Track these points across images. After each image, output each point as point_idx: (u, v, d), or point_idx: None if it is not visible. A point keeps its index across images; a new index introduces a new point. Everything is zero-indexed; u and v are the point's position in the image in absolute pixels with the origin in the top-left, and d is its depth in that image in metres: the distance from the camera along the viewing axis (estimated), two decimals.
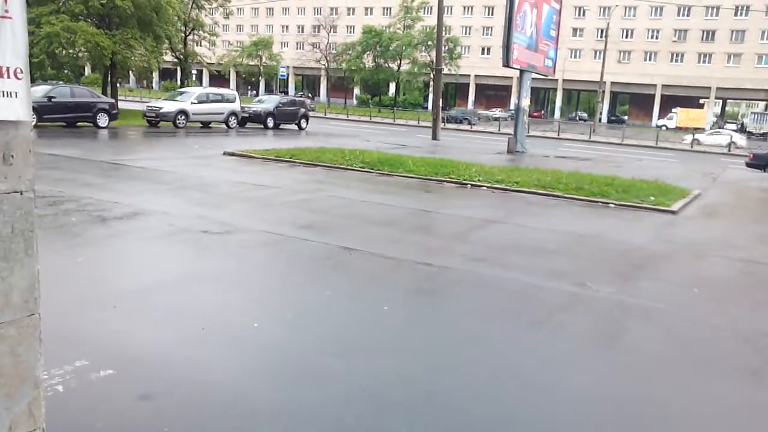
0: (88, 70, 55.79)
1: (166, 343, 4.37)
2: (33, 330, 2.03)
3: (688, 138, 40.66)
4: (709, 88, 69.77)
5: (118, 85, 33.70)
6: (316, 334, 4.76)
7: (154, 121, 26.00)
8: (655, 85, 72.70)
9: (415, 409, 3.69)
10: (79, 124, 22.84)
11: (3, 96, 1.83)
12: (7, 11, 1.80)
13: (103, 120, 23.26)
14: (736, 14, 67.81)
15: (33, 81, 25.36)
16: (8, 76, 1.84)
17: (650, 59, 73.54)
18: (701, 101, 73.16)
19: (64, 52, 27.85)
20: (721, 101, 76.40)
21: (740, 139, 40.82)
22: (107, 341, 4.33)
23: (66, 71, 33.28)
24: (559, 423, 3.65)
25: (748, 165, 24.31)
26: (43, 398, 2.13)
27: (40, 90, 21.44)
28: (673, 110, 68.96)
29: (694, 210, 12.24)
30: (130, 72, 39.41)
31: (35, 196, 2.00)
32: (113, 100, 26.34)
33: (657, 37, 72.78)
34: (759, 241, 9.85)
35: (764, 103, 71.16)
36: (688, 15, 70.69)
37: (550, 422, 3.65)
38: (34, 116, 19.66)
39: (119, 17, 27.55)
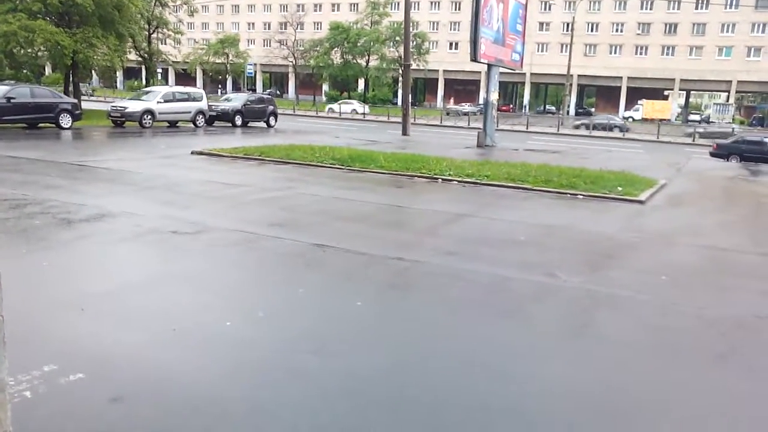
0: (48, 70, 54.58)
1: (137, 345, 4.30)
2: None
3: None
4: (673, 79, 71.21)
5: (80, 84, 33.00)
6: (289, 331, 4.73)
7: (120, 121, 25.56)
8: (620, 78, 73.92)
9: (389, 403, 3.69)
10: (40, 125, 22.35)
11: None
12: None
13: (66, 121, 22.77)
14: (696, 7, 69.26)
15: None
16: None
17: (615, 52, 74.69)
18: (666, 93, 74.61)
19: (22, 51, 27.20)
20: (684, 92, 77.96)
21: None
22: (76, 345, 4.24)
23: (25, 71, 32.53)
24: (531, 411, 3.69)
25: (712, 155, 24.88)
26: (8, 401, 2.08)
27: None
28: (639, 102, 70.22)
29: (660, 199, 12.47)
30: (93, 71, 38.62)
31: None
32: (76, 101, 25.80)
33: (621, 31, 73.94)
34: (723, 228, 10.08)
35: (725, 94, 72.76)
36: (651, 9, 71.98)
37: (523, 411, 3.69)
38: None
39: (79, 15, 26.94)
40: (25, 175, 11.37)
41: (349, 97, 70.68)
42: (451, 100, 77.18)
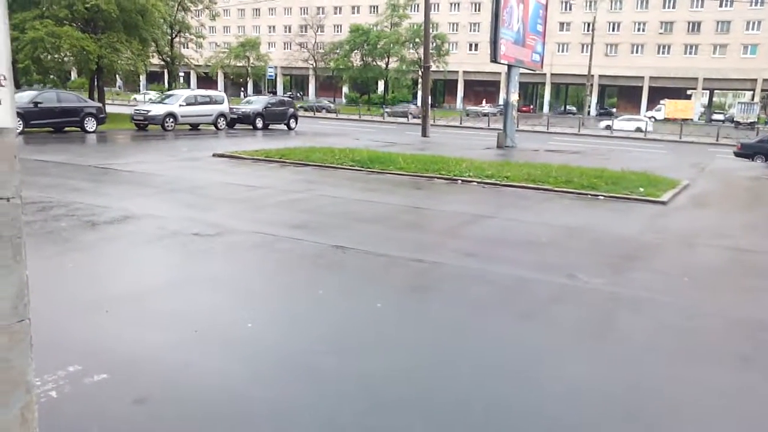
0: (74, 75, 55.47)
1: (160, 347, 4.36)
2: (24, 335, 2.03)
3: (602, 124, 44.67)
4: (696, 78, 70.24)
5: (105, 88, 33.51)
6: (310, 333, 4.76)
7: (143, 125, 25.90)
8: (642, 77, 73.13)
9: (409, 405, 3.70)
10: (66, 129, 22.73)
11: None
12: None
13: (90, 124, 23.15)
14: (720, 5, 68.26)
15: (18, 87, 25.20)
16: None
17: (637, 52, 73.92)
18: (689, 92, 73.59)
19: (49, 57, 27.70)
20: (708, 92, 76.87)
21: (650, 126, 43.64)
22: (100, 346, 4.31)
23: (52, 76, 33.11)
24: (552, 413, 3.67)
25: (736, 155, 24.50)
26: (35, 403, 2.13)
27: (26, 96, 21.31)
28: (661, 102, 69.34)
29: (683, 200, 12.32)
30: (117, 75, 39.19)
31: (22, 202, 2.00)
32: (100, 104, 26.22)
33: (643, 30, 73.16)
34: (747, 229, 9.93)
35: (750, 92, 71.63)
36: (673, 7, 71.11)
37: (545, 412, 3.67)
38: (21, 122, 19.57)
39: (104, 21, 27.40)
40: (51, 179, 11.58)
41: (369, 100, 70.86)
42: (484, 102, 76.90)
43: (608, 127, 43.70)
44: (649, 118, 60.27)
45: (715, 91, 79.96)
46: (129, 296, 5.38)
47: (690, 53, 71.12)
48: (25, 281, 2.01)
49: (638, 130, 41.32)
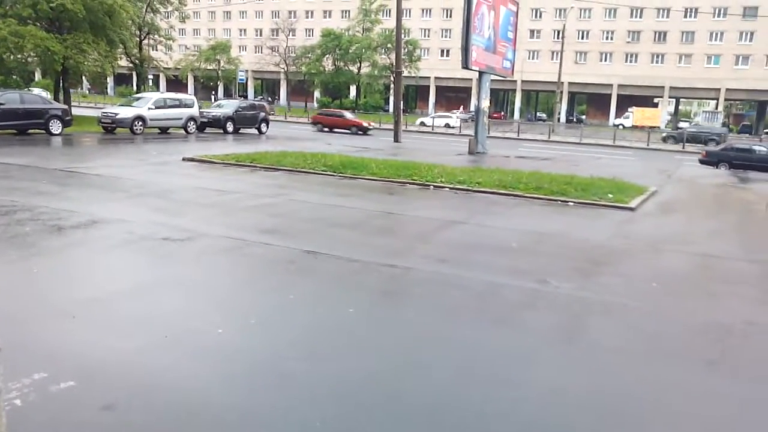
0: (38, 76, 54.29)
1: (128, 352, 4.28)
2: None
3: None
4: (663, 87, 71.68)
5: (71, 90, 32.88)
6: (280, 338, 4.72)
7: (110, 128, 25.44)
8: (611, 85, 74.35)
9: (381, 409, 3.69)
10: (30, 131, 22.20)
11: None
12: None
13: (56, 127, 22.63)
14: (685, 16, 69.83)
15: None
16: None
17: (606, 60, 75.17)
18: (655, 100, 75.12)
19: (12, 57, 27.01)
20: (674, 100, 78.54)
21: (456, 122, 51.35)
22: (67, 352, 4.22)
23: (14, 77, 32.32)
24: (524, 416, 3.70)
25: (702, 162, 25.08)
26: (3, 408, 2.07)
27: None
28: (630, 109, 70.70)
29: (651, 206, 12.55)
30: (84, 77, 38.48)
31: None
32: (66, 107, 25.67)
33: (612, 38, 74.44)
34: (713, 235, 10.16)
35: (714, 101, 73.36)
36: (640, 17, 72.49)
37: (518, 416, 3.70)
38: None
39: (70, 21, 26.82)
40: (14, 182, 11.31)
41: (341, 104, 70.80)
42: (462, 108, 77.35)
43: (422, 123, 51.39)
44: (617, 125, 61.43)
45: (681, 100, 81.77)
46: (96, 302, 5.27)
47: (656, 62, 72.58)
48: None
49: (447, 125, 50.57)
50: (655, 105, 74.35)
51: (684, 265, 7.96)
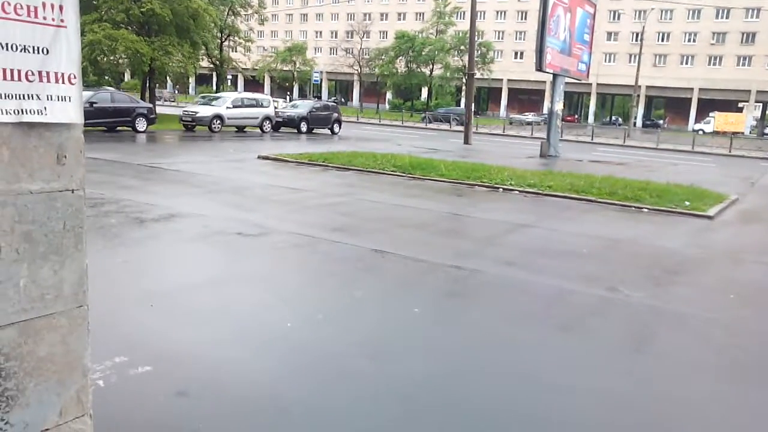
0: (127, 76, 57.07)
1: (202, 342, 4.48)
2: (82, 321, 2.15)
3: None
4: (749, 91, 68.19)
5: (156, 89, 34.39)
6: (347, 335, 4.83)
7: (191, 125, 26.52)
8: (692, 89, 71.40)
9: (443, 411, 3.72)
10: (118, 128, 23.42)
11: (59, 100, 1.95)
12: (62, 20, 1.92)
13: (141, 124, 23.84)
14: None
15: None
16: (63, 82, 1.96)
17: (687, 63, 72.25)
18: (740, 104, 71.53)
19: (105, 59, 28.58)
20: (761, 104, 74.58)
21: None
22: (145, 339, 4.46)
23: (107, 77, 34.14)
24: (590, 425, 3.65)
25: None
26: (90, 386, 2.25)
27: (83, 96, 22.01)
28: (711, 114, 67.57)
29: (731, 215, 12.02)
30: (168, 77, 40.22)
31: (85, 194, 2.12)
32: (151, 105, 26.95)
33: (694, 40, 71.45)
34: None
35: None
36: (726, 17, 69.23)
37: (581, 425, 3.66)
38: None
39: (158, 24, 28.16)
40: (102, 176, 11.97)
41: (413, 106, 70.97)
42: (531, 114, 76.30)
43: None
44: (697, 131, 58.90)
45: None
46: (173, 292, 5.54)
47: (743, 65, 69.14)
48: (85, 269, 2.13)
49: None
50: (740, 110, 70.80)
51: (765, 277, 7.61)
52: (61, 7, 1.90)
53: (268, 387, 3.87)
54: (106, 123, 22.68)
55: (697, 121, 69.57)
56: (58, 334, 2.07)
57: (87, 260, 2.14)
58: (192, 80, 71.85)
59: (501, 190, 13.26)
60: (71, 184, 2.04)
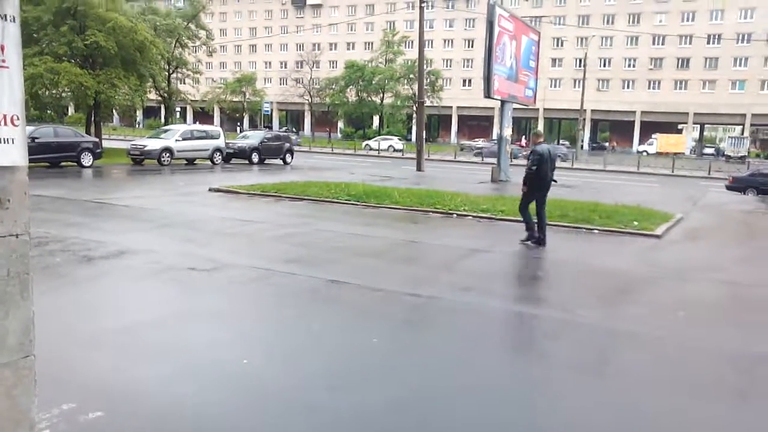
0: (71, 110, 55.84)
1: (156, 382, 4.35)
2: (28, 372, 2.05)
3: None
4: (687, 113, 71.24)
5: (101, 123, 33.72)
6: (306, 368, 4.76)
7: (139, 159, 26.03)
8: (634, 112, 74.11)
9: None
10: (63, 163, 22.80)
11: (1, 143, 1.88)
12: (3, 61, 1.86)
13: (87, 159, 23.25)
14: (708, 42, 69.63)
15: None
16: (5, 123, 1.90)
17: (628, 87, 75.07)
18: (680, 126, 74.60)
19: (47, 92, 27.92)
20: (699, 126, 77.89)
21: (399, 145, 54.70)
22: (95, 382, 4.30)
23: (49, 111, 33.31)
24: None
25: (728, 188, 24.74)
26: None
27: None
28: (653, 136, 70.26)
29: (677, 233, 12.41)
30: (114, 110, 39.55)
31: (30, 239, 2.04)
32: (97, 139, 26.39)
33: (634, 66, 74.39)
34: (742, 263, 9.99)
35: (740, 127, 72.57)
36: (663, 44, 72.41)
37: None
38: None
39: (103, 57, 27.70)
40: (47, 213, 11.59)
41: (364, 135, 71.45)
42: (480, 140, 77.53)
43: (368, 146, 54.48)
44: (641, 152, 61.06)
45: (706, 126, 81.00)
46: (124, 331, 5.36)
47: (680, 88, 72.28)
48: (31, 318, 2.05)
49: (391, 148, 53.70)
50: (680, 131, 73.82)
51: (712, 293, 7.85)
52: (2, 48, 1.85)
53: (227, 424, 3.77)
54: (49, 159, 22.05)
55: (640, 142, 72.13)
56: (2, 387, 1.97)
57: (33, 307, 2.06)
58: (140, 113, 70.80)
59: (455, 215, 13.39)
60: (15, 228, 1.97)
